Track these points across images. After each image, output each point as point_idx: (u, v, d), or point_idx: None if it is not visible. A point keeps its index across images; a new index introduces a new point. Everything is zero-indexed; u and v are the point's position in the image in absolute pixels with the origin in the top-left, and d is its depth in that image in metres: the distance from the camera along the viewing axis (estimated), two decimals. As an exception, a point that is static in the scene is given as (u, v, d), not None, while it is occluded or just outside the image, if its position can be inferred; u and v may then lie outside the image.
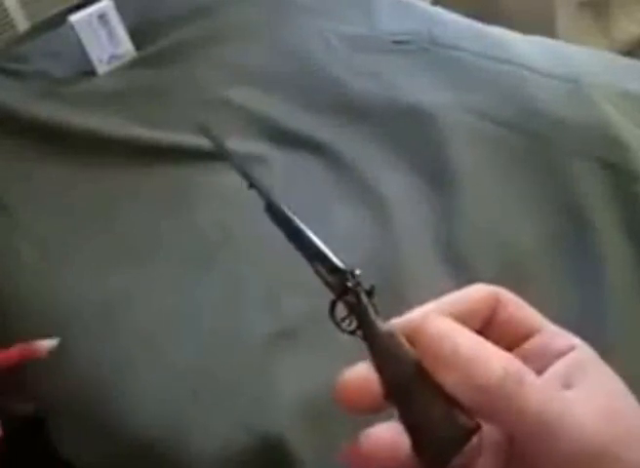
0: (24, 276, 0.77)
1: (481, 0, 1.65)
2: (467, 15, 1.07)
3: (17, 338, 0.75)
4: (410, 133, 0.85)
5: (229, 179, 0.81)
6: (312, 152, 0.86)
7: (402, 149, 0.83)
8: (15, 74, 1.07)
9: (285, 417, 0.57)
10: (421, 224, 0.74)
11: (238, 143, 0.90)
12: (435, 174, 0.79)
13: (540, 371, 0.31)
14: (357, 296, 0.34)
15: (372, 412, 0.31)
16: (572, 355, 0.31)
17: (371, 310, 0.33)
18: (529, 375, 0.28)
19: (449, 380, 0.28)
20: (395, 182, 0.79)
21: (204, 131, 0.48)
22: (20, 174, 0.90)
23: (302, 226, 0.37)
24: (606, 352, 0.61)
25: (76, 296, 0.74)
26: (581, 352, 0.31)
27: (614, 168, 0.73)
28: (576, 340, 0.32)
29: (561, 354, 0.31)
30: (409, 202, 0.77)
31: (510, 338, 0.32)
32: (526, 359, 0.32)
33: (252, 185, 0.41)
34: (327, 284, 0.35)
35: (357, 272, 0.34)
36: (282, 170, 0.85)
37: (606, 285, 0.64)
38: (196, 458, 0.59)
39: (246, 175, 0.41)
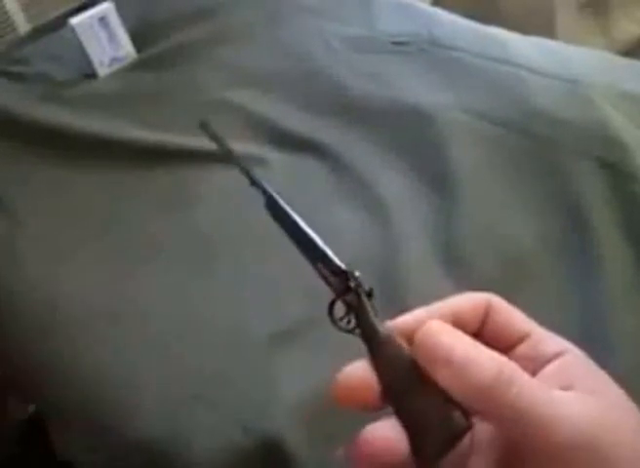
0: (26, 278, 0.77)
1: (480, 1, 1.65)
2: (467, 16, 1.07)
3: (17, 342, 0.76)
4: (409, 133, 0.85)
5: (231, 181, 0.82)
6: (312, 153, 0.86)
7: (402, 150, 0.83)
8: (16, 77, 1.08)
9: (284, 418, 0.57)
10: (421, 225, 0.74)
11: (238, 145, 0.90)
12: (434, 174, 0.79)
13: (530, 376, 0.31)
14: (358, 297, 0.35)
15: (369, 410, 0.31)
16: (561, 360, 0.31)
17: (370, 311, 0.34)
18: (521, 375, 0.29)
19: (444, 380, 0.29)
20: (395, 183, 0.80)
21: (205, 128, 0.49)
22: (21, 176, 0.90)
23: (305, 226, 0.38)
24: (606, 350, 0.61)
25: (78, 299, 0.75)
26: (571, 356, 0.32)
27: (612, 167, 0.73)
28: (566, 344, 0.32)
29: (551, 359, 0.31)
30: (408, 203, 0.77)
31: (502, 344, 0.33)
32: (517, 364, 0.32)
33: (253, 183, 0.41)
34: (328, 283, 0.36)
35: (357, 273, 0.35)
36: (282, 171, 0.85)
37: (604, 284, 0.64)
38: (196, 458, 0.59)
39: (247, 174, 0.42)
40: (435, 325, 0.31)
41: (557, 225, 0.72)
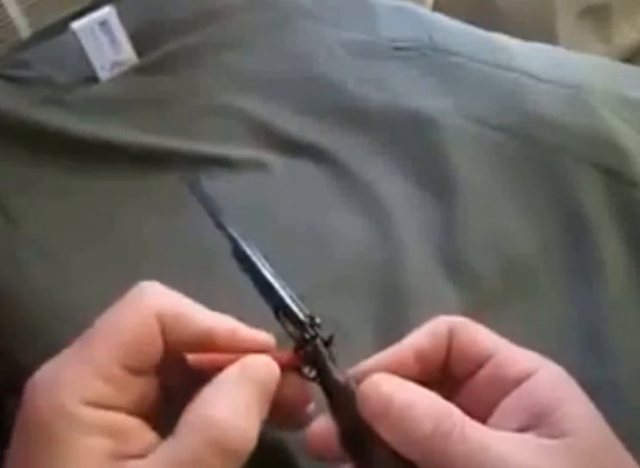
0: (25, 281, 0.77)
1: (481, 7, 1.65)
2: (467, 21, 1.07)
3: (17, 346, 0.76)
4: (411, 139, 0.85)
5: (232, 186, 0.82)
6: (313, 158, 0.86)
7: (402, 155, 0.83)
8: (18, 81, 1.08)
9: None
10: (422, 230, 0.74)
11: (239, 150, 0.90)
12: (435, 179, 0.79)
13: (495, 402, 0.30)
14: (315, 347, 0.35)
15: (340, 460, 0.32)
16: (530, 383, 0.30)
17: (328, 361, 0.35)
18: (462, 425, 0.29)
19: (384, 433, 0.30)
20: (395, 188, 0.80)
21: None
22: (22, 179, 0.90)
23: (268, 273, 0.40)
24: (607, 356, 0.61)
25: (78, 302, 0.74)
26: (543, 377, 0.31)
27: (613, 174, 0.73)
28: (539, 362, 0.31)
29: (520, 379, 0.31)
30: (410, 209, 0.77)
31: (469, 366, 0.33)
32: (480, 387, 0.32)
33: (219, 226, 0.41)
34: (288, 333, 0.36)
35: (317, 320, 0.36)
36: (282, 176, 0.85)
37: (605, 291, 0.64)
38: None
39: (213, 216, 0.41)
40: (377, 377, 0.31)
41: (557, 231, 0.72)
